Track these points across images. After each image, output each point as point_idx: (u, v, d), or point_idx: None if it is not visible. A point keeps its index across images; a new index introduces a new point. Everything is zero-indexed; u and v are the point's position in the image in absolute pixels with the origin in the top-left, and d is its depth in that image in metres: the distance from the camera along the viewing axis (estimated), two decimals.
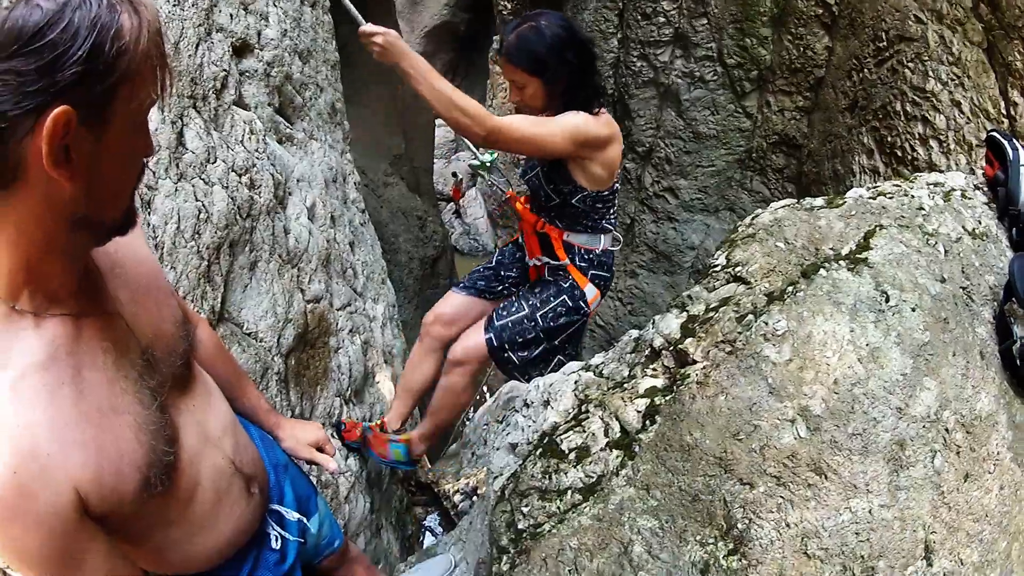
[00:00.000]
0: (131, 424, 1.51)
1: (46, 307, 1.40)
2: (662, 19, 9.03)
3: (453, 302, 4.35)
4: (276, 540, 2.17)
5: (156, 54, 1.30)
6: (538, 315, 3.94)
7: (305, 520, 2.38)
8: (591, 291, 3.98)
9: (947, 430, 2.46)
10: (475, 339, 4.01)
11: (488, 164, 3.97)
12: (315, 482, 2.94)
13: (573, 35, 3.54)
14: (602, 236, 3.94)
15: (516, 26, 3.60)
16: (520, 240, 4.23)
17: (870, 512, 2.31)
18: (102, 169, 1.30)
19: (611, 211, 3.94)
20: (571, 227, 3.90)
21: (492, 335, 3.97)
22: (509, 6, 12.61)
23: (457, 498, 4.96)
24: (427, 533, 5.23)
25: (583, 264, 3.94)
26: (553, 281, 3.99)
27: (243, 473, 1.97)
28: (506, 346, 3.97)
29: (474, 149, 4.21)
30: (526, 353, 4.04)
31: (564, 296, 3.94)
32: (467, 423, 6.89)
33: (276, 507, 2.23)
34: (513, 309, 3.99)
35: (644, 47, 9.32)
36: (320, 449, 2.55)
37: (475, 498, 4.67)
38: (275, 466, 2.32)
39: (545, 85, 3.54)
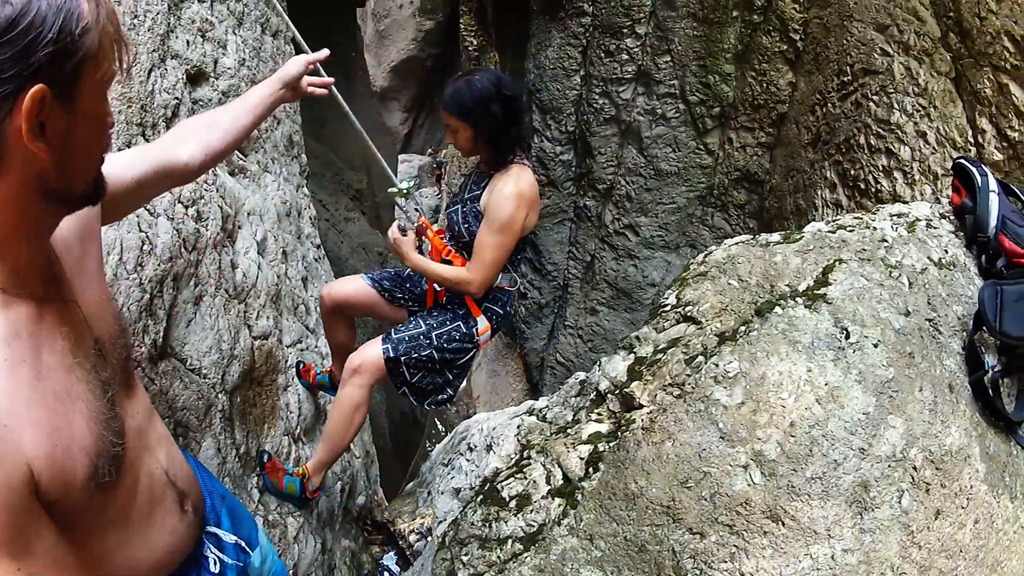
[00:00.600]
0: (83, 411, 1.51)
1: (14, 286, 1.43)
2: (625, 56, 9.07)
3: (350, 286, 4.56)
4: (215, 563, 2.13)
5: (113, 30, 1.39)
6: (433, 334, 4.14)
7: (248, 551, 2.32)
8: (483, 323, 4.22)
9: (915, 468, 2.40)
10: (372, 350, 4.12)
11: (406, 191, 4.13)
12: (261, 523, 2.84)
13: (500, 90, 3.90)
14: (500, 274, 4.15)
15: (455, 80, 4.05)
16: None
17: (832, 558, 2.25)
18: (74, 139, 1.38)
19: (516, 255, 4.20)
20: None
21: (389, 346, 4.10)
22: (475, 42, 12.65)
23: (412, 538, 4.87)
24: (385, 573, 5.16)
25: (479, 299, 4.20)
26: (450, 308, 4.25)
27: (176, 487, 1.95)
28: (401, 359, 4.11)
29: (394, 178, 4.35)
30: (419, 375, 4.21)
31: (459, 323, 4.18)
32: (425, 461, 6.83)
33: (213, 529, 2.19)
34: (411, 326, 4.19)
35: (606, 84, 9.35)
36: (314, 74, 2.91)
37: (430, 538, 4.59)
38: (211, 493, 2.28)
39: (472, 131, 3.92)
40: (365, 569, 5.20)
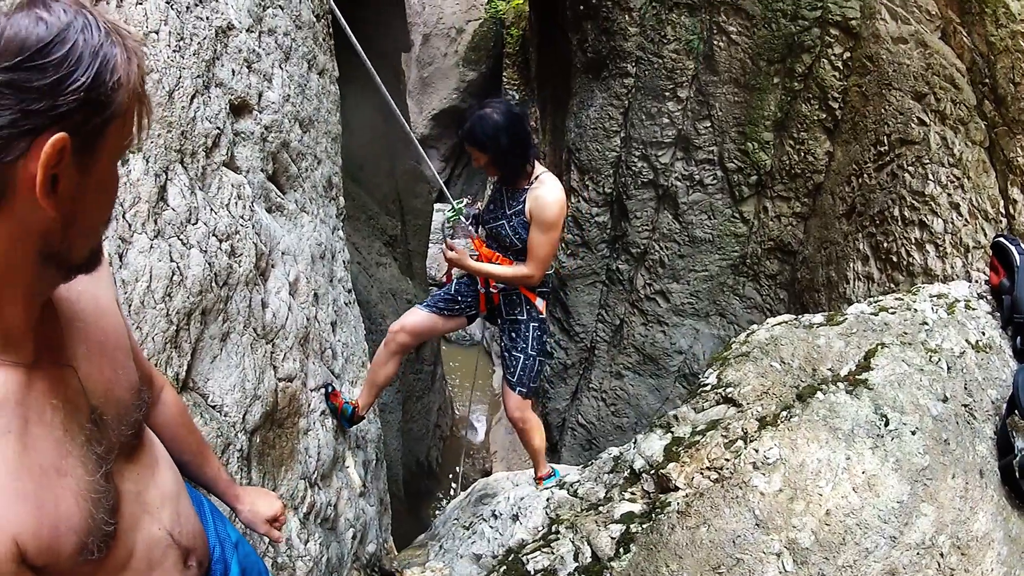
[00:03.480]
0: (72, 488, 1.43)
1: (2, 350, 1.35)
2: (666, 120, 9.08)
3: (416, 317, 5.31)
4: None
5: (141, 91, 1.29)
6: (530, 351, 5.10)
7: None
8: (540, 303, 5.12)
9: (941, 555, 2.33)
10: (512, 400, 5.17)
11: (462, 209, 5.16)
12: (270, 564, 2.78)
13: (509, 122, 4.68)
14: None
15: (471, 113, 4.83)
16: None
17: None
18: (83, 204, 1.28)
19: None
20: (520, 260, 4.97)
21: (520, 389, 5.13)
22: (517, 96, 12.73)
23: None
24: None
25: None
26: (515, 319, 5.15)
27: (180, 545, 1.88)
28: (529, 385, 5.15)
29: (449, 196, 5.52)
30: (537, 374, 5.22)
31: (532, 323, 5.12)
32: (437, 514, 6.76)
33: None
34: (515, 364, 5.13)
35: (646, 147, 9.36)
36: (276, 520, 2.50)
37: None
38: (223, 541, 2.22)
39: (488, 157, 4.72)
40: None
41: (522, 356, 5.10)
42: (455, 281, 5.44)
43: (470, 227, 5.14)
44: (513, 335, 5.18)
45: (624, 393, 10.24)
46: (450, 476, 13.00)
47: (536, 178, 4.86)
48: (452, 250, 4.96)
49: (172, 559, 1.84)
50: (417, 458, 12.10)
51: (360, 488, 5.11)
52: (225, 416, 3.16)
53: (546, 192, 4.76)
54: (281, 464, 3.75)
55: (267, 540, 3.39)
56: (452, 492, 10.34)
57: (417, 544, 5.87)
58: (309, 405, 4.16)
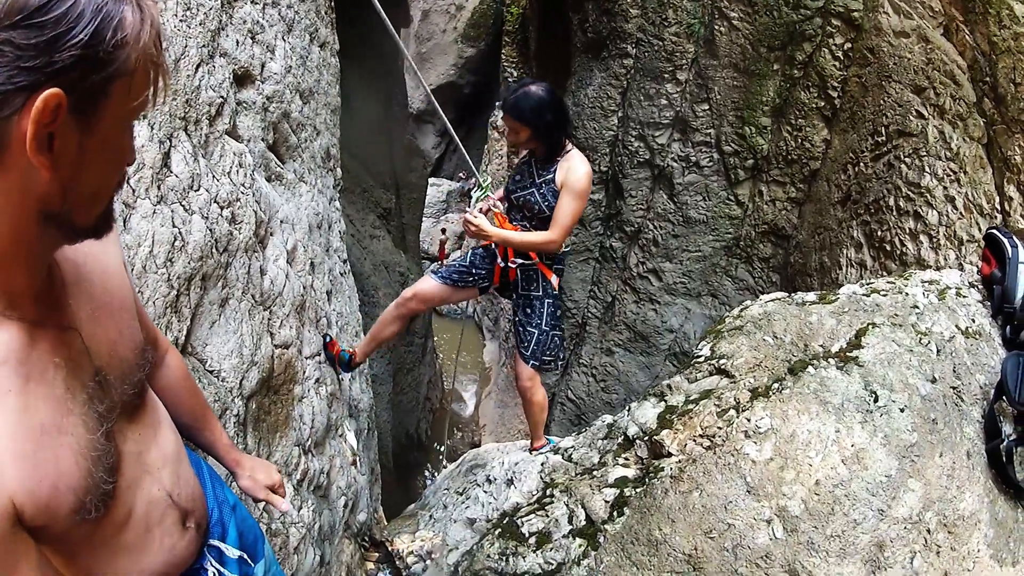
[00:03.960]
0: (72, 446, 1.44)
1: (4, 308, 1.35)
2: (664, 101, 9.09)
3: (428, 285, 5.56)
4: None
5: (155, 56, 1.28)
6: (544, 327, 5.36)
7: (251, 563, 2.29)
8: (555, 279, 5.38)
9: (928, 531, 2.38)
10: (524, 371, 5.48)
11: (487, 185, 5.52)
12: (264, 530, 2.81)
13: (552, 100, 5.00)
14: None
15: (514, 90, 5.14)
16: (493, 247, 5.45)
17: None
18: (84, 166, 1.26)
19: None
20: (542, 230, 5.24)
21: (533, 362, 5.42)
22: (515, 74, 12.71)
23: (411, 559, 4.84)
24: None
25: (548, 261, 5.33)
26: (530, 295, 5.39)
27: (179, 506, 1.90)
28: (540, 358, 5.42)
29: (478, 177, 5.85)
30: (551, 349, 5.48)
31: (547, 299, 5.37)
32: (428, 485, 6.81)
33: (216, 543, 2.14)
34: (530, 338, 5.41)
35: (643, 128, 9.36)
36: (274, 491, 2.51)
37: (428, 561, 4.55)
38: (221, 503, 2.24)
39: (532, 132, 5.00)
40: None
41: (536, 331, 5.37)
42: (470, 252, 5.71)
43: (497, 203, 5.38)
44: (528, 311, 5.42)
45: (614, 370, 10.28)
46: (437, 447, 13.05)
47: (567, 152, 5.12)
48: (476, 218, 5.09)
49: (171, 520, 1.86)
50: (407, 430, 12.12)
51: (352, 457, 5.15)
52: (223, 381, 3.19)
53: (578, 164, 5.04)
54: (276, 430, 3.78)
55: (260, 507, 3.43)
56: (442, 464, 10.37)
57: (407, 514, 5.90)
58: (304, 372, 4.19)
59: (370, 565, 5.41)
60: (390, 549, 5.23)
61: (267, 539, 2.60)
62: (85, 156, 1.25)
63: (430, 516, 5.24)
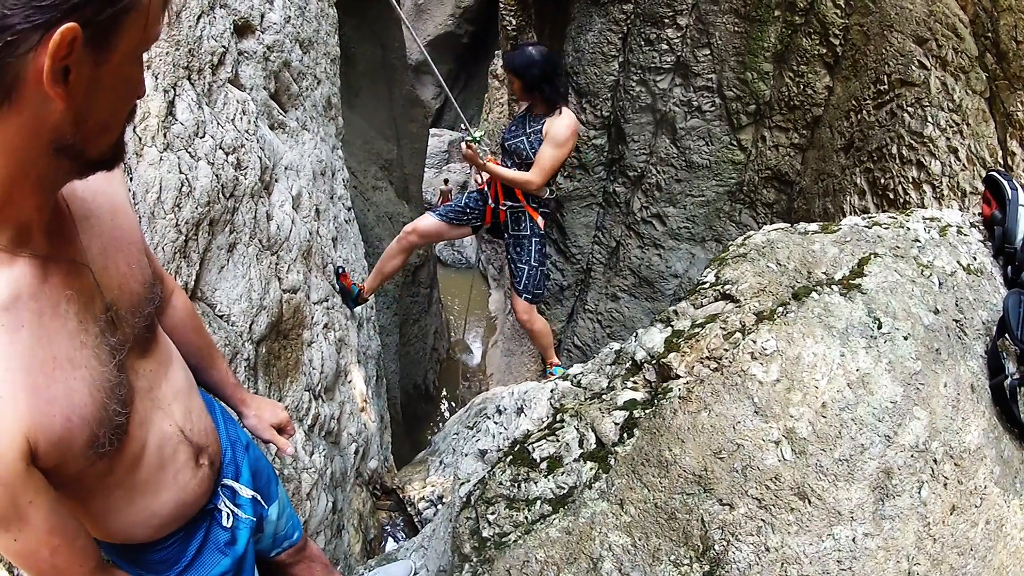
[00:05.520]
0: (86, 379, 1.46)
1: (15, 243, 1.36)
2: (665, 46, 9.02)
3: (427, 222, 6.16)
4: (227, 518, 2.11)
5: None
6: (533, 261, 5.99)
7: (264, 504, 2.33)
8: (540, 220, 5.98)
9: (935, 461, 2.41)
10: (520, 304, 6.14)
11: (478, 138, 5.86)
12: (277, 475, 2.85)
13: (543, 59, 5.63)
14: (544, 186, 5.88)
15: (514, 47, 5.98)
16: (486, 190, 6.08)
17: (853, 540, 2.25)
18: (97, 97, 1.27)
19: (553, 180, 5.91)
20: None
21: (526, 295, 6.08)
22: (514, 22, 12.62)
23: (422, 505, 4.89)
24: (389, 538, 5.20)
25: (534, 204, 5.93)
26: (519, 234, 6.00)
27: (192, 442, 1.92)
28: (534, 291, 6.10)
29: (469, 127, 6.46)
30: (540, 282, 6.14)
31: (534, 237, 5.99)
32: (438, 431, 6.87)
33: (229, 482, 2.17)
34: (521, 274, 6.03)
35: (644, 72, 9.30)
36: (281, 432, 2.50)
37: (440, 506, 4.61)
38: (234, 443, 2.26)
39: (520, 83, 5.68)
40: (371, 533, 5.23)
41: (526, 267, 6.02)
42: (466, 194, 6.33)
43: (484, 150, 5.80)
44: (518, 249, 6.05)
45: (619, 315, 10.32)
46: (445, 396, 13.12)
47: (560, 112, 5.71)
48: (470, 149, 5.76)
49: (184, 455, 1.88)
50: (414, 381, 12.19)
51: (362, 403, 5.20)
52: (232, 325, 3.23)
53: (564, 118, 5.67)
54: (286, 375, 3.82)
55: (272, 451, 3.47)
56: (448, 415, 10.44)
57: (417, 461, 5.97)
58: (312, 318, 4.23)
59: (382, 513, 5.48)
60: (401, 496, 5.29)
61: (281, 482, 2.63)
62: (99, 87, 1.25)
63: (440, 462, 5.29)
